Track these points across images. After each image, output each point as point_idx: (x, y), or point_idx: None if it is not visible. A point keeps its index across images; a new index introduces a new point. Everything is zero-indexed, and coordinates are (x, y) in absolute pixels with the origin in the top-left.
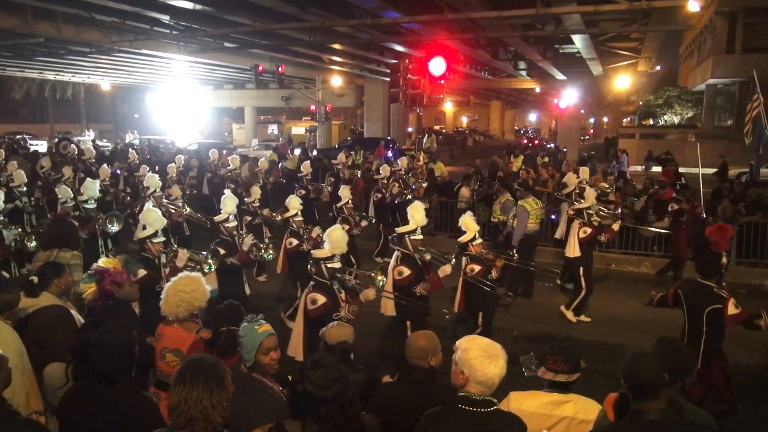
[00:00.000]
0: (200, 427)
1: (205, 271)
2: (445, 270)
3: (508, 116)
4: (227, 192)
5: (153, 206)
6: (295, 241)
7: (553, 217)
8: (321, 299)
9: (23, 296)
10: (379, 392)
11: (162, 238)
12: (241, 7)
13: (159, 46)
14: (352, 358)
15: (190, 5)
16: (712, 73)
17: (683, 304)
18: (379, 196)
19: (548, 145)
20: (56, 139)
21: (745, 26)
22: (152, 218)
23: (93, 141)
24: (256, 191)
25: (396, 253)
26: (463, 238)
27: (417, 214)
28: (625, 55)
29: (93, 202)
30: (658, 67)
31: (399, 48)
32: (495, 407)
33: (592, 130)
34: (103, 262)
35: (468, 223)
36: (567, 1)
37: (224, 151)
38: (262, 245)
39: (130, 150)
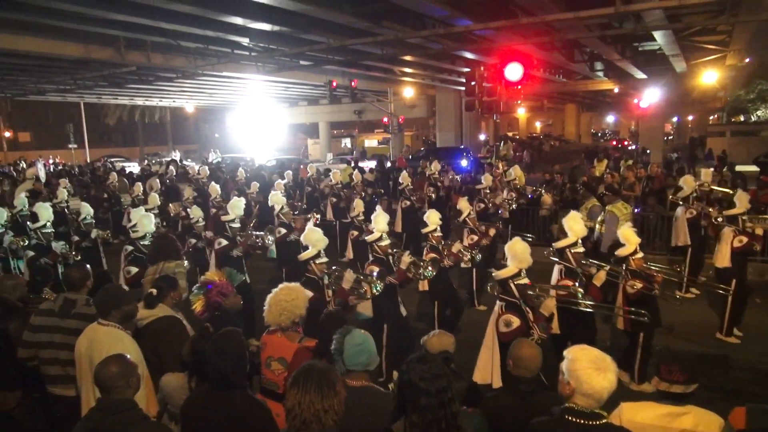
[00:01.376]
0: (314, 429)
1: (374, 292)
2: (600, 277)
3: (584, 119)
4: (378, 209)
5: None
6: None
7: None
8: (516, 321)
9: (142, 307)
10: (485, 401)
11: (325, 259)
12: (316, 26)
13: (239, 68)
14: (453, 367)
15: (268, 27)
16: None
17: None
18: (482, 206)
19: (630, 147)
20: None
21: None
22: (315, 238)
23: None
24: (359, 204)
25: (558, 266)
26: (621, 251)
27: (576, 224)
28: (712, 50)
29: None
30: (748, 60)
31: (470, 56)
32: (605, 420)
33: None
34: (208, 274)
35: (628, 235)
36: None
37: (302, 166)
38: (421, 263)
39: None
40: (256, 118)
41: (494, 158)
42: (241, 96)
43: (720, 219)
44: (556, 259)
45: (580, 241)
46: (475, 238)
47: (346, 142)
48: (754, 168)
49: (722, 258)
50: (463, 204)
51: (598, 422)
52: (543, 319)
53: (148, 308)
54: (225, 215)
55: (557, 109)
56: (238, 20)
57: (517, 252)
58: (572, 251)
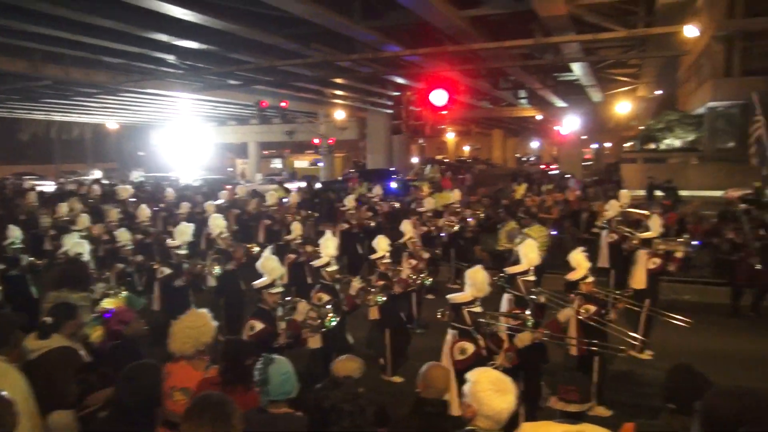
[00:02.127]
0: None
1: (328, 325)
2: (567, 314)
3: (509, 144)
4: (328, 234)
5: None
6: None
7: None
8: (470, 348)
9: (35, 338)
10: (394, 424)
11: (280, 289)
12: (245, 45)
13: (164, 85)
14: (359, 391)
15: (195, 45)
16: (711, 97)
17: None
18: (424, 229)
19: (554, 172)
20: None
21: (742, 50)
22: (270, 266)
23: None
24: (297, 228)
25: (508, 295)
26: (572, 275)
27: (530, 252)
28: (624, 81)
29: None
30: (658, 92)
31: (400, 80)
32: None
33: (587, 156)
34: (105, 303)
35: (579, 260)
36: (566, 31)
37: (229, 187)
38: (371, 288)
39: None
40: (182, 136)
41: (419, 180)
42: (167, 114)
43: (635, 242)
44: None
45: (532, 269)
46: (414, 262)
47: (277, 163)
48: (658, 193)
49: (639, 280)
50: (406, 227)
51: None
52: (513, 349)
53: (42, 338)
54: (171, 240)
55: (485, 134)
56: (163, 37)
57: (477, 280)
58: (523, 279)
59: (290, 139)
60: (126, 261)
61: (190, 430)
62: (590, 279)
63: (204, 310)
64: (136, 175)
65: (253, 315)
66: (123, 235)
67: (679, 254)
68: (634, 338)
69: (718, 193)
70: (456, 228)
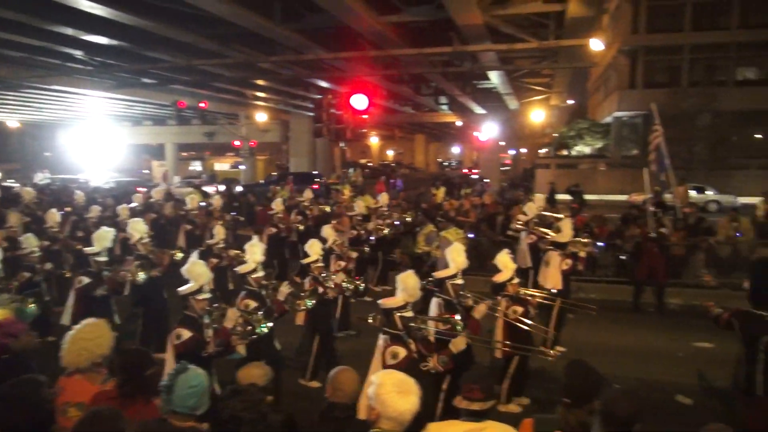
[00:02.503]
0: None
1: (260, 332)
2: (481, 310)
3: (432, 149)
4: (255, 239)
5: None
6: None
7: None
8: (402, 352)
9: None
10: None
11: (207, 295)
12: (159, 43)
13: (72, 82)
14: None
15: (104, 40)
16: (617, 107)
17: (738, 332)
18: (354, 232)
19: (475, 177)
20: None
21: (645, 64)
22: (197, 272)
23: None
24: (220, 232)
25: (437, 299)
26: (498, 277)
27: (458, 256)
28: (539, 90)
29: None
30: (570, 101)
31: (323, 84)
32: None
33: (508, 161)
34: None
35: (506, 262)
36: (482, 40)
37: (143, 190)
38: (301, 293)
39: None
40: (94, 136)
41: (341, 184)
42: (75, 112)
43: (548, 245)
44: (436, 290)
45: (460, 273)
46: (342, 264)
47: (196, 165)
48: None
49: (554, 280)
50: (327, 231)
51: None
52: (448, 354)
53: None
54: (88, 247)
55: (408, 139)
56: (68, 30)
57: (408, 285)
58: (451, 283)
59: (210, 141)
60: (32, 269)
61: None
62: (516, 280)
63: (102, 321)
64: (41, 177)
65: (179, 322)
66: (29, 241)
67: (582, 254)
68: (551, 336)
69: (623, 197)
70: (386, 231)
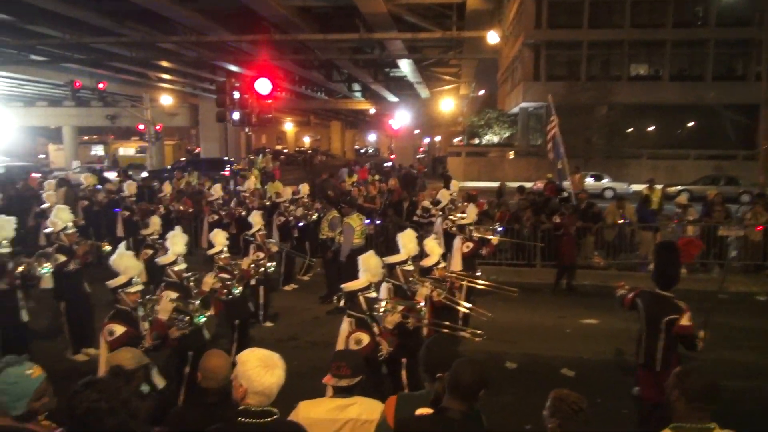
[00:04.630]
0: None
1: (197, 323)
2: (423, 293)
3: (348, 136)
4: (177, 229)
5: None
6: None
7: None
8: (366, 338)
9: None
10: (169, 418)
11: (139, 287)
12: (46, 17)
13: None
14: (122, 385)
15: None
16: (523, 98)
17: (641, 311)
18: (283, 219)
19: (385, 164)
20: None
21: (547, 57)
22: (126, 264)
23: None
24: (156, 221)
25: (387, 284)
26: (426, 262)
27: (409, 242)
28: (448, 80)
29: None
30: (482, 92)
31: (232, 67)
32: (275, 416)
33: (421, 149)
34: None
35: (433, 247)
36: (388, 28)
37: (33, 174)
38: (229, 283)
39: None
40: None
41: (249, 170)
42: None
43: (453, 229)
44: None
45: (410, 259)
46: (261, 255)
47: (98, 150)
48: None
49: (456, 263)
50: (256, 218)
51: (268, 419)
52: (389, 334)
53: None
54: None
55: (324, 125)
56: None
57: (371, 265)
58: (402, 268)
59: (112, 125)
60: None
61: None
62: (442, 264)
63: None
64: None
65: (110, 317)
66: None
67: (495, 241)
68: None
69: (528, 184)
70: (315, 217)
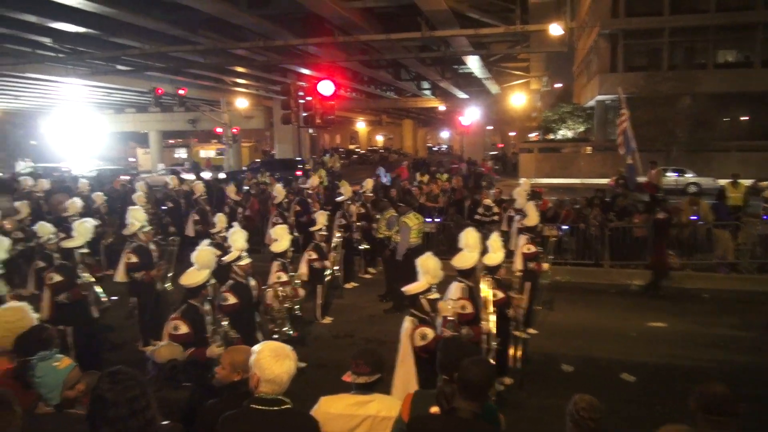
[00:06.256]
0: None
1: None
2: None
3: (420, 134)
4: (236, 226)
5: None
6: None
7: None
8: (430, 333)
9: None
10: (203, 409)
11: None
12: (127, 30)
13: (44, 69)
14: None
15: (72, 28)
16: (599, 90)
17: None
18: (343, 222)
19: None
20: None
21: (625, 47)
22: (205, 260)
23: None
24: (222, 220)
25: (460, 284)
26: (491, 260)
27: (476, 242)
28: (518, 75)
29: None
30: (558, 85)
31: (303, 70)
32: (285, 406)
33: (501, 145)
34: None
35: (498, 245)
36: (449, 25)
37: (122, 177)
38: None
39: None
40: (76, 124)
41: (313, 170)
42: (54, 100)
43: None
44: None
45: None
46: (314, 255)
47: (181, 153)
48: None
49: (517, 263)
50: (320, 218)
51: (279, 407)
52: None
53: None
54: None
55: (395, 124)
56: (32, 18)
57: (430, 267)
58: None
59: (193, 128)
60: (49, 259)
61: None
62: (505, 264)
63: (23, 305)
64: (23, 166)
65: (180, 313)
66: (44, 229)
67: (553, 239)
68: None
69: (604, 181)
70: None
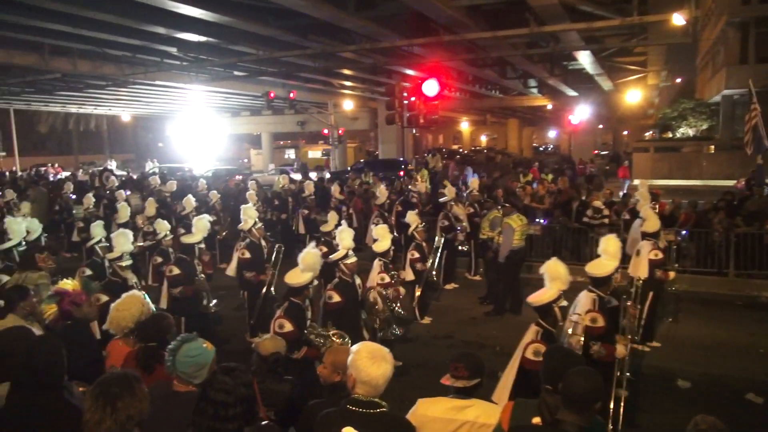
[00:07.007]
0: None
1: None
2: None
3: (526, 133)
4: (344, 224)
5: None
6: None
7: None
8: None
9: None
10: (307, 408)
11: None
12: (243, 37)
13: (171, 77)
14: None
15: (195, 37)
16: (726, 85)
17: None
18: (446, 223)
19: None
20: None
21: (757, 36)
22: (310, 262)
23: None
24: (333, 217)
25: (591, 294)
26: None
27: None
28: (633, 70)
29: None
30: (678, 80)
31: (408, 71)
32: (381, 409)
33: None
34: (62, 284)
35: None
36: (560, 19)
37: (236, 177)
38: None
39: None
40: (197, 127)
41: (416, 171)
42: (179, 105)
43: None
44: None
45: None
46: (416, 255)
47: (290, 153)
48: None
49: (642, 269)
50: (412, 218)
51: (374, 410)
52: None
53: None
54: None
55: (500, 123)
56: (161, 30)
57: (560, 273)
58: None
59: (302, 130)
60: (166, 255)
61: (89, 409)
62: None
63: (138, 295)
64: (151, 166)
65: (284, 311)
66: (161, 226)
67: (662, 244)
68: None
69: (730, 183)
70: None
